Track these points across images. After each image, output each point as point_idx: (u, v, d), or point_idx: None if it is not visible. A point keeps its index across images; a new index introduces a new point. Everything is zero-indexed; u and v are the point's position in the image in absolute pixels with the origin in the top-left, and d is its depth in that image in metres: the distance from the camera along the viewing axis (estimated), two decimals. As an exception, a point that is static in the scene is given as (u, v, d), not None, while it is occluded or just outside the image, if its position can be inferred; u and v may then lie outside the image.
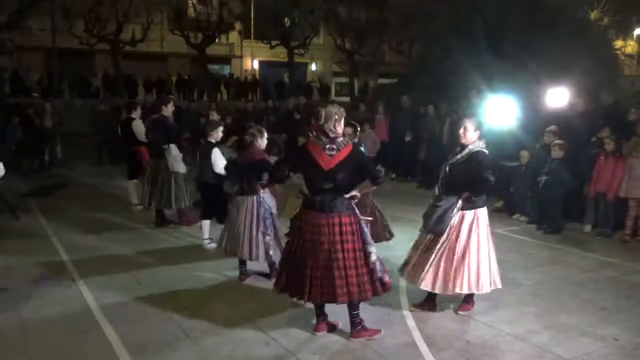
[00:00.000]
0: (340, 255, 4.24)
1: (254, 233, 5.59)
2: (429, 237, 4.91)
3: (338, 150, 4.26)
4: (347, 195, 4.32)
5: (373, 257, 4.34)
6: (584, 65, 11.50)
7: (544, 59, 11.73)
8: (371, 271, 4.32)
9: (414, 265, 4.94)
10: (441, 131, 11.26)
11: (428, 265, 4.81)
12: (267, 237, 5.62)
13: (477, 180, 4.72)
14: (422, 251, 4.91)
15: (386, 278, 4.39)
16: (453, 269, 4.77)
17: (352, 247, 4.29)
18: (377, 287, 4.35)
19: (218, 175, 6.54)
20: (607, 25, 19.89)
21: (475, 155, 4.77)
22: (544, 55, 11.88)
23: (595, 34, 15.26)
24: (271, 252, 5.65)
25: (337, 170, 4.24)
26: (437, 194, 4.92)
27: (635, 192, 7.46)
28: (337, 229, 4.26)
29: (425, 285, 4.83)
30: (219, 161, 6.54)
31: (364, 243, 4.34)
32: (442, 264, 4.79)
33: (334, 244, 4.25)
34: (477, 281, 4.81)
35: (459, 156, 4.83)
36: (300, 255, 4.36)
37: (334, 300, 4.29)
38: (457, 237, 4.78)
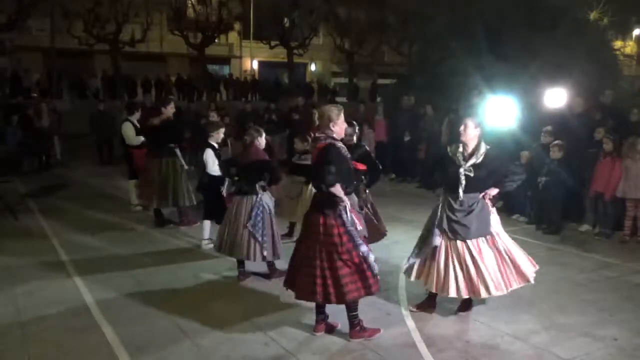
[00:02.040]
0: (333, 256, 4.25)
1: (250, 233, 5.60)
2: (449, 243, 4.78)
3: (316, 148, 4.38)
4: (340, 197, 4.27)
5: (366, 256, 4.32)
6: (583, 65, 11.49)
7: (543, 59, 11.71)
8: (364, 272, 4.31)
9: (443, 277, 4.75)
10: (440, 131, 11.27)
11: (466, 275, 4.70)
12: (258, 236, 5.58)
13: (502, 175, 4.84)
14: (445, 259, 4.77)
15: (371, 280, 4.35)
16: (511, 268, 4.79)
17: (337, 249, 4.26)
18: (366, 288, 4.33)
19: (210, 176, 6.58)
20: (606, 25, 19.91)
21: (492, 152, 4.81)
22: (543, 56, 11.86)
23: (594, 34, 15.24)
24: (265, 253, 5.62)
25: (315, 167, 4.33)
26: (460, 198, 4.74)
27: (632, 192, 7.47)
28: (322, 230, 4.27)
29: (463, 294, 4.73)
30: (210, 161, 6.57)
31: (353, 243, 4.28)
32: (501, 267, 4.75)
33: (323, 245, 4.29)
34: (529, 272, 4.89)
35: (478, 155, 4.75)
36: (303, 255, 4.41)
37: (327, 301, 4.32)
38: (500, 237, 4.81)
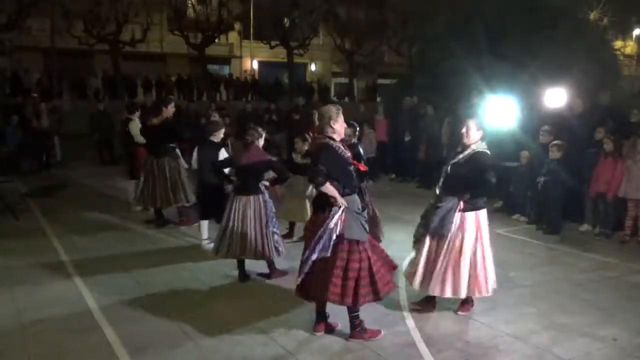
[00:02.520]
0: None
1: (264, 231, 5.59)
2: (432, 241, 4.86)
3: None
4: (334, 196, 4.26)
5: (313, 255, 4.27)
6: (583, 65, 11.50)
7: (543, 59, 11.72)
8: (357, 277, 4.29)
9: (422, 273, 4.87)
10: (440, 131, 11.28)
11: (437, 273, 4.77)
12: (276, 235, 5.67)
13: (477, 181, 4.71)
14: (427, 257, 4.86)
15: (380, 286, 4.37)
16: (466, 274, 4.76)
17: (345, 249, 4.27)
18: (365, 293, 4.32)
19: (219, 175, 6.56)
20: (606, 25, 19.91)
21: (476, 155, 4.75)
22: (543, 56, 11.87)
23: (594, 34, 15.26)
24: (281, 249, 5.69)
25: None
26: (437, 194, 4.89)
27: (633, 193, 7.47)
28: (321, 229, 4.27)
29: (437, 292, 4.81)
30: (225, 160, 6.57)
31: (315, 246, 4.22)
32: (450, 270, 4.76)
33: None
34: (487, 284, 4.84)
35: (460, 156, 4.82)
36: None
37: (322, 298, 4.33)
38: (463, 240, 4.75)
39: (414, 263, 5.02)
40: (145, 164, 8.00)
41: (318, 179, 4.15)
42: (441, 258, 4.78)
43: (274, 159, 5.87)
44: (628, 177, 7.52)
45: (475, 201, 4.78)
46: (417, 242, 5.01)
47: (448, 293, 4.79)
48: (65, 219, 8.44)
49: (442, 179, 4.88)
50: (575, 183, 7.99)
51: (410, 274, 5.03)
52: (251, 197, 5.63)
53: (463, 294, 4.82)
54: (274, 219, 5.72)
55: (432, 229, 4.80)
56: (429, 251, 4.87)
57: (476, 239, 4.78)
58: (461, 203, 4.74)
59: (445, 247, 4.78)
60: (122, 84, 24.37)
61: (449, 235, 4.75)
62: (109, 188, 10.93)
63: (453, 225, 4.74)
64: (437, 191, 4.89)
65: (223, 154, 6.63)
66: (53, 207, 9.24)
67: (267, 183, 5.82)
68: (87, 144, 15.70)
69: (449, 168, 4.85)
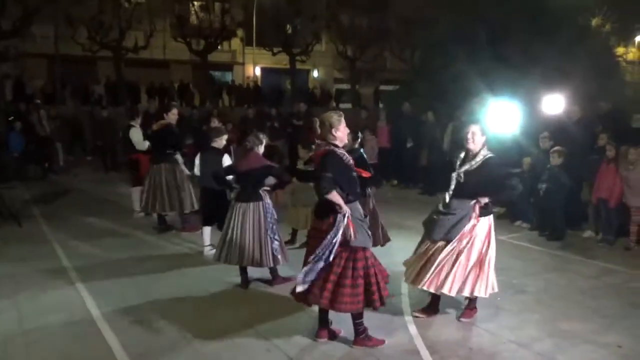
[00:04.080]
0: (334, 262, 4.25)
1: (263, 239, 5.58)
2: (437, 244, 4.83)
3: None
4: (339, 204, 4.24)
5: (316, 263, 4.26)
6: (585, 71, 11.50)
7: (545, 65, 11.73)
8: (366, 282, 4.29)
9: (427, 272, 4.81)
10: (442, 138, 11.28)
11: (448, 272, 4.74)
12: (276, 242, 5.63)
13: (498, 186, 4.76)
14: (434, 258, 4.81)
15: (383, 292, 4.37)
16: (474, 274, 4.76)
17: (344, 256, 4.26)
18: (370, 299, 4.31)
19: (221, 182, 6.55)
20: (609, 32, 19.90)
21: (490, 161, 4.76)
22: (545, 62, 11.88)
23: (597, 40, 15.26)
24: (279, 257, 5.65)
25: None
26: (447, 201, 4.83)
27: (634, 200, 7.47)
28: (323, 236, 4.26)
29: (447, 290, 4.78)
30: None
31: (322, 254, 4.22)
32: (459, 270, 4.74)
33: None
34: (490, 284, 4.87)
35: (473, 162, 4.77)
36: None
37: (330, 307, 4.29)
38: (473, 243, 4.75)
39: (418, 265, 4.94)
40: (148, 170, 8.02)
41: (325, 187, 4.13)
42: (447, 257, 4.75)
43: (274, 164, 5.84)
44: (627, 185, 7.51)
45: (491, 206, 4.83)
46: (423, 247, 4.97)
47: (453, 291, 4.76)
48: (68, 225, 8.44)
49: (452, 187, 4.82)
50: (576, 189, 7.97)
51: (410, 272, 4.99)
52: (251, 204, 5.63)
53: (470, 293, 4.80)
54: (274, 227, 5.66)
55: (443, 234, 4.76)
56: (437, 253, 4.81)
57: (489, 244, 4.82)
58: (477, 208, 4.75)
59: (451, 249, 4.75)
60: (125, 90, 24.43)
61: (457, 238, 4.74)
62: (111, 194, 10.95)
63: (464, 229, 4.75)
64: (447, 199, 4.84)
65: (226, 161, 6.64)
66: (56, 214, 9.25)
67: (267, 188, 5.80)
68: (90, 150, 15.77)
69: (461, 175, 4.80)
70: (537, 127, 9.03)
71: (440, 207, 4.88)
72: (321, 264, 4.20)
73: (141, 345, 4.44)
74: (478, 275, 4.79)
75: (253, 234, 5.58)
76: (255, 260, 5.59)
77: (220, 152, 6.77)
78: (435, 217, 4.89)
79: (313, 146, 5.48)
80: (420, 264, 4.88)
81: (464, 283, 4.76)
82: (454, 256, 4.76)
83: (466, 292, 4.80)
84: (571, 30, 13.06)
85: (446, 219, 4.78)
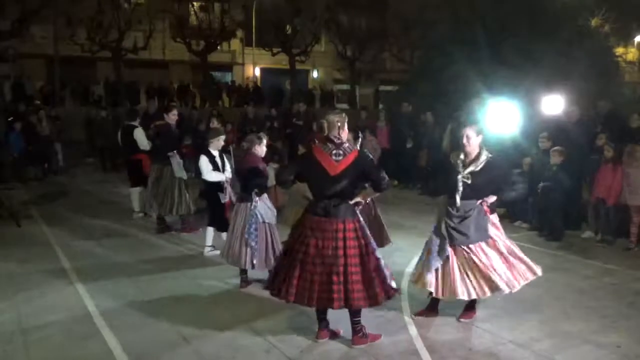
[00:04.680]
0: (341, 261, 4.22)
1: (244, 240, 5.59)
2: (460, 250, 4.78)
3: (344, 155, 4.28)
4: (352, 202, 4.36)
5: (382, 262, 4.34)
6: (585, 72, 11.52)
7: (545, 65, 11.75)
8: (379, 278, 4.30)
9: (451, 282, 4.75)
10: (441, 138, 11.27)
11: (488, 273, 4.72)
12: (252, 244, 5.54)
13: (506, 185, 4.85)
14: (456, 264, 4.77)
15: (393, 285, 4.37)
16: (503, 269, 4.78)
17: (356, 253, 4.27)
18: (381, 294, 4.30)
19: (208, 183, 6.58)
20: (608, 32, 19.93)
21: (494, 161, 4.80)
22: (545, 62, 11.90)
23: (596, 41, 15.28)
24: (255, 262, 5.56)
25: (343, 175, 4.25)
26: (457, 205, 4.76)
27: (634, 199, 7.46)
28: (340, 235, 4.25)
29: (475, 295, 4.75)
30: (204, 168, 6.55)
31: (371, 249, 4.32)
32: (498, 266, 4.76)
33: (336, 250, 4.23)
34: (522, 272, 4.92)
35: (478, 163, 4.76)
36: (303, 259, 4.31)
37: (329, 305, 4.28)
38: (495, 241, 4.80)
39: (427, 268, 4.85)
40: (150, 170, 8.02)
41: (385, 185, 4.35)
42: (474, 261, 4.73)
43: (262, 168, 5.79)
44: (627, 184, 7.50)
45: (496, 204, 4.89)
46: (430, 252, 4.91)
47: (501, 289, 4.72)
48: (67, 225, 8.44)
49: (460, 190, 4.75)
50: (576, 188, 7.97)
51: (420, 276, 4.92)
52: (242, 205, 5.69)
53: (507, 289, 4.76)
54: (254, 233, 5.54)
55: (471, 238, 4.73)
56: (452, 259, 4.77)
57: (498, 238, 4.85)
58: (485, 207, 4.79)
59: (476, 250, 4.75)
60: (124, 91, 24.43)
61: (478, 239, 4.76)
62: (111, 195, 10.94)
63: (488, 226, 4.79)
64: (458, 202, 4.77)
65: (204, 162, 6.56)
66: (55, 214, 9.25)
67: (257, 190, 5.68)
68: (90, 151, 15.76)
69: (468, 177, 4.77)
70: (536, 127, 9.04)
71: (453, 212, 4.78)
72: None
73: (140, 345, 4.44)
74: (522, 262, 4.86)
75: (239, 234, 5.61)
76: (235, 259, 5.64)
77: (215, 154, 6.72)
78: (449, 222, 4.80)
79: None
80: (445, 276, 4.77)
81: (507, 278, 4.75)
82: (496, 254, 4.77)
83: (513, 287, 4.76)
84: (571, 31, 13.08)
85: (463, 224, 4.73)
